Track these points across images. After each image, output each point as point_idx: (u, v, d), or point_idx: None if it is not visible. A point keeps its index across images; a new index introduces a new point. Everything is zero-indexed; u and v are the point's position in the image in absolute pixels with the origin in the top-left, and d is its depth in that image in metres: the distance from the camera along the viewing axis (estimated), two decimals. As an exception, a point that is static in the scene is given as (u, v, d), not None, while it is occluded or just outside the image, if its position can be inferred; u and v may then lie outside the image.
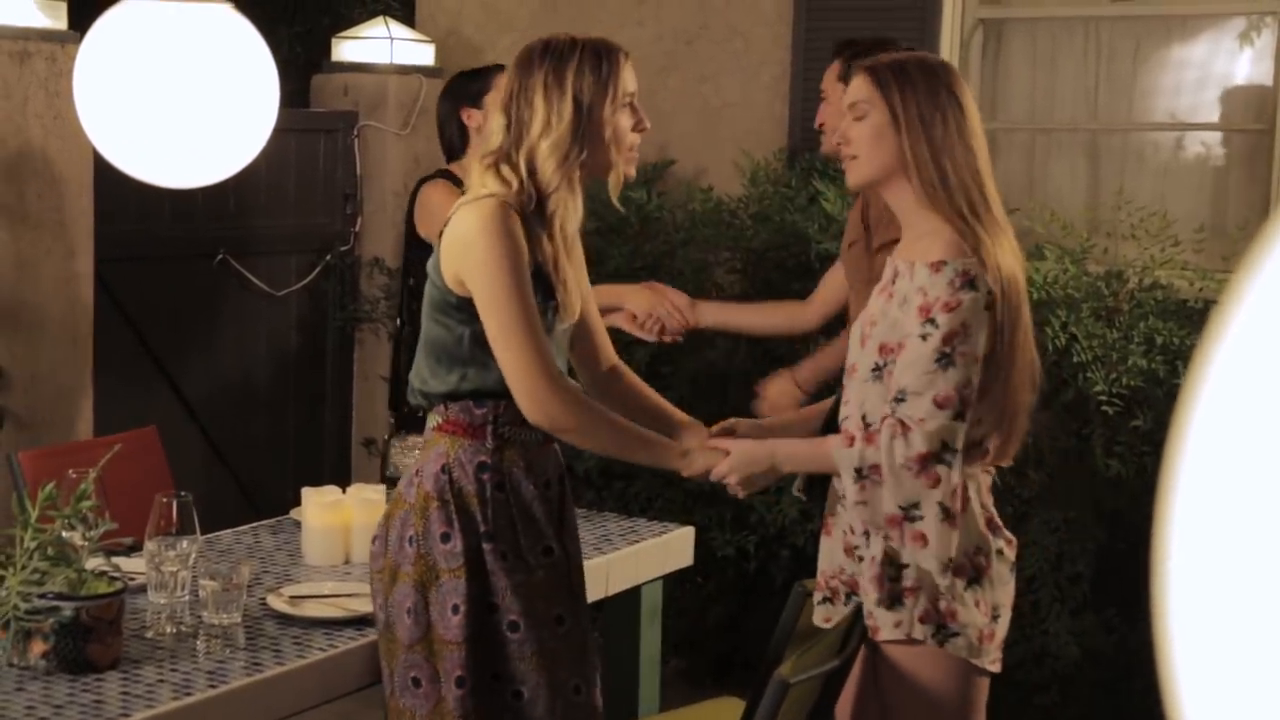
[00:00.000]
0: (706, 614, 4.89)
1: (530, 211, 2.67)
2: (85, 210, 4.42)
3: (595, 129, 2.67)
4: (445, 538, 2.68)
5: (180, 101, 3.15)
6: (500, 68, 4.25)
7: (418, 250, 4.20)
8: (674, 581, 4.58)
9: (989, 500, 2.69)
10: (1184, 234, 4.46)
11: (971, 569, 2.60)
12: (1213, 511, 0.60)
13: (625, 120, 2.71)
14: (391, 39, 5.52)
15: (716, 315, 3.87)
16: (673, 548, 3.67)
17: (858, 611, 2.63)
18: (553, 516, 2.77)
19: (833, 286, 3.78)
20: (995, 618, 2.64)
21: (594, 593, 3.40)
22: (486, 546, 2.68)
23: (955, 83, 2.67)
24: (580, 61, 2.67)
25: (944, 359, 2.51)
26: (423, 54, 5.60)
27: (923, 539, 2.56)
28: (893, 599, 2.59)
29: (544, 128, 2.65)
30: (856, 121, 2.67)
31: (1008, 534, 2.72)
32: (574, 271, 2.75)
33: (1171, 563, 0.61)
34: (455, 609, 2.66)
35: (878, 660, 2.65)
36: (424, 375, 2.75)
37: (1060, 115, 5.14)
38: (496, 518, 2.70)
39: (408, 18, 5.89)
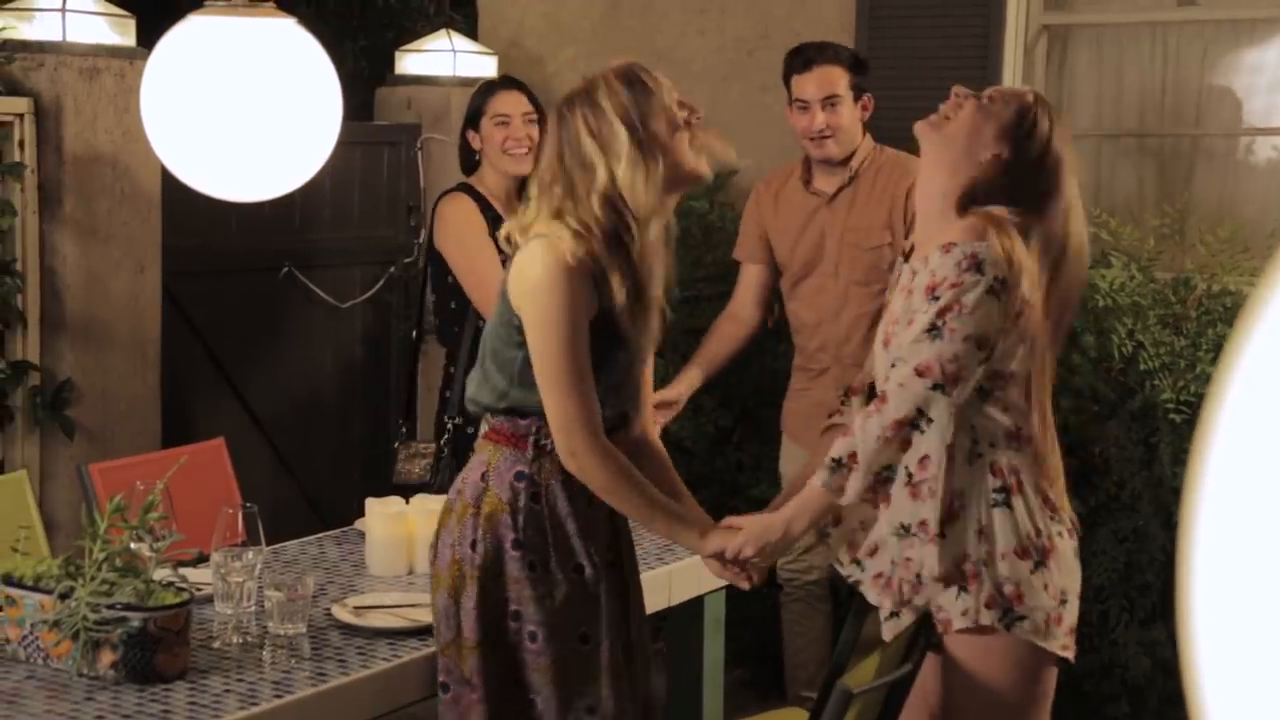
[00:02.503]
0: (773, 624, 4.87)
1: (609, 253, 2.66)
2: (153, 225, 4.47)
3: (659, 136, 2.67)
4: (474, 545, 2.73)
5: (245, 116, 3.17)
6: (502, 85, 4.29)
7: (436, 264, 4.23)
8: (740, 591, 4.57)
9: (1049, 486, 2.69)
10: (1253, 240, 4.41)
11: (1035, 552, 2.63)
12: (1238, 516, 0.59)
13: (677, 117, 2.72)
14: (454, 51, 5.55)
15: (692, 380, 4.21)
16: (736, 558, 3.66)
17: (921, 621, 2.62)
18: (591, 533, 2.77)
19: (748, 284, 4.31)
20: (1063, 602, 2.65)
21: (657, 603, 3.40)
22: (514, 554, 2.72)
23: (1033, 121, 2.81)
24: (608, 87, 2.68)
25: (934, 330, 2.59)
26: (485, 66, 5.62)
27: (887, 500, 2.64)
28: (957, 587, 2.61)
29: (607, 161, 2.64)
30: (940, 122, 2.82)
31: (1071, 519, 2.74)
32: (651, 312, 2.77)
33: (1197, 568, 0.60)
34: (470, 613, 2.72)
35: (941, 658, 2.66)
36: (477, 381, 2.80)
37: (1127, 121, 5.09)
38: (527, 527, 2.73)
39: (470, 30, 5.92)
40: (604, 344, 2.70)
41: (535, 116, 4.19)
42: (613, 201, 2.65)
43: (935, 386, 2.57)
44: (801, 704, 3.98)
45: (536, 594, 2.71)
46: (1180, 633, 0.61)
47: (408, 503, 3.48)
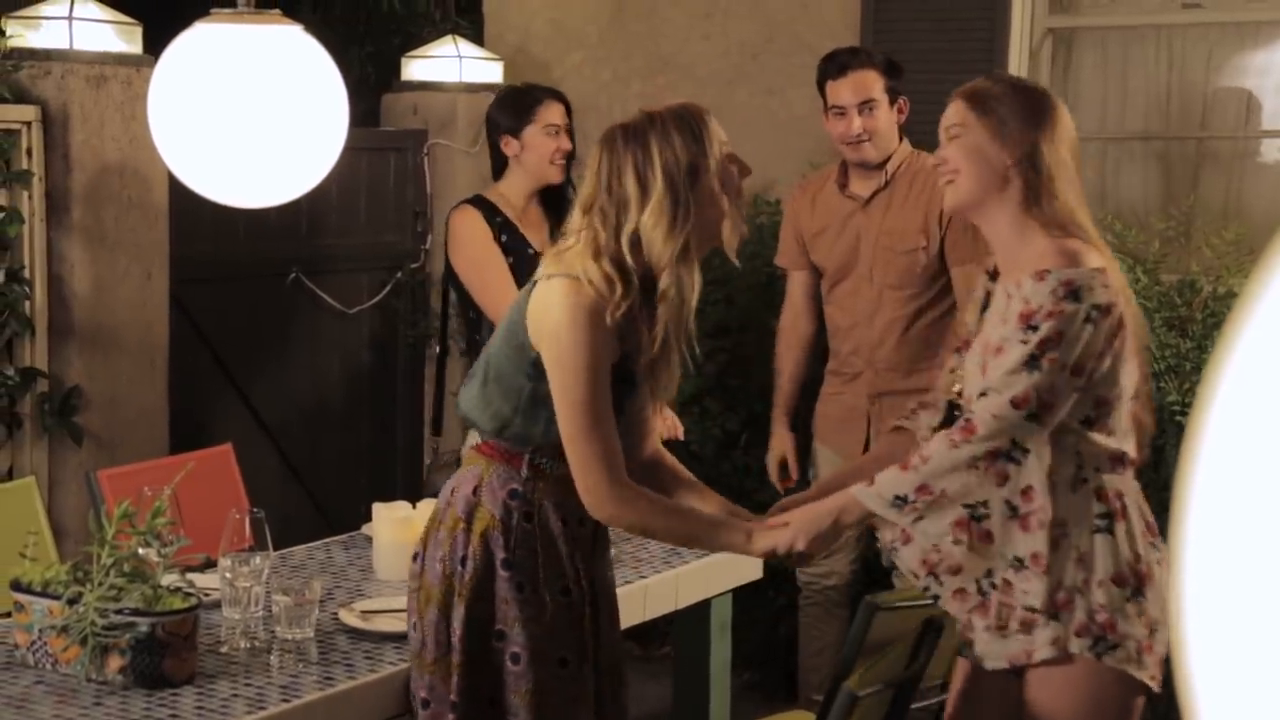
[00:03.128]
0: (778, 627, 4.87)
1: (640, 300, 2.64)
2: (161, 232, 4.48)
3: (701, 193, 2.62)
4: (464, 561, 2.69)
5: (252, 123, 3.19)
6: (548, 95, 4.27)
7: (453, 275, 4.25)
8: (746, 594, 4.57)
9: (1147, 510, 2.67)
10: (1258, 242, 4.41)
11: (1133, 578, 2.57)
12: (1228, 512, 0.60)
13: (729, 174, 2.67)
14: (460, 57, 5.56)
15: (784, 442, 4.44)
16: (743, 560, 3.67)
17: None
18: (578, 555, 2.74)
19: (798, 292, 4.35)
20: (1153, 631, 2.59)
21: (663, 606, 3.41)
22: (504, 574, 2.67)
23: (1052, 103, 2.77)
24: (663, 130, 2.62)
25: (1032, 361, 2.53)
26: (491, 72, 5.63)
27: (989, 537, 2.54)
28: (1046, 615, 2.54)
29: (640, 205, 2.60)
30: (952, 141, 2.70)
31: (1163, 546, 2.69)
32: (671, 363, 2.74)
33: (1187, 563, 0.61)
34: (458, 631, 2.67)
35: (1021, 685, 2.60)
36: (477, 400, 2.72)
37: (1132, 124, 5.09)
38: (519, 547, 2.68)
39: (476, 36, 5.93)
40: (621, 389, 2.66)
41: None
42: (637, 245, 2.62)
43: (1030, 417, 2.52)
44: (812, 707, 3.97)
45: (524, 616, 2.66)
46: (1172, 630, 0.61)
47: (415, 507, 3.49)
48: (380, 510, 3.44)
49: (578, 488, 2.62)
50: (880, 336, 4.14)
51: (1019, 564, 2.55)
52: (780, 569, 4.65)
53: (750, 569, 3.71)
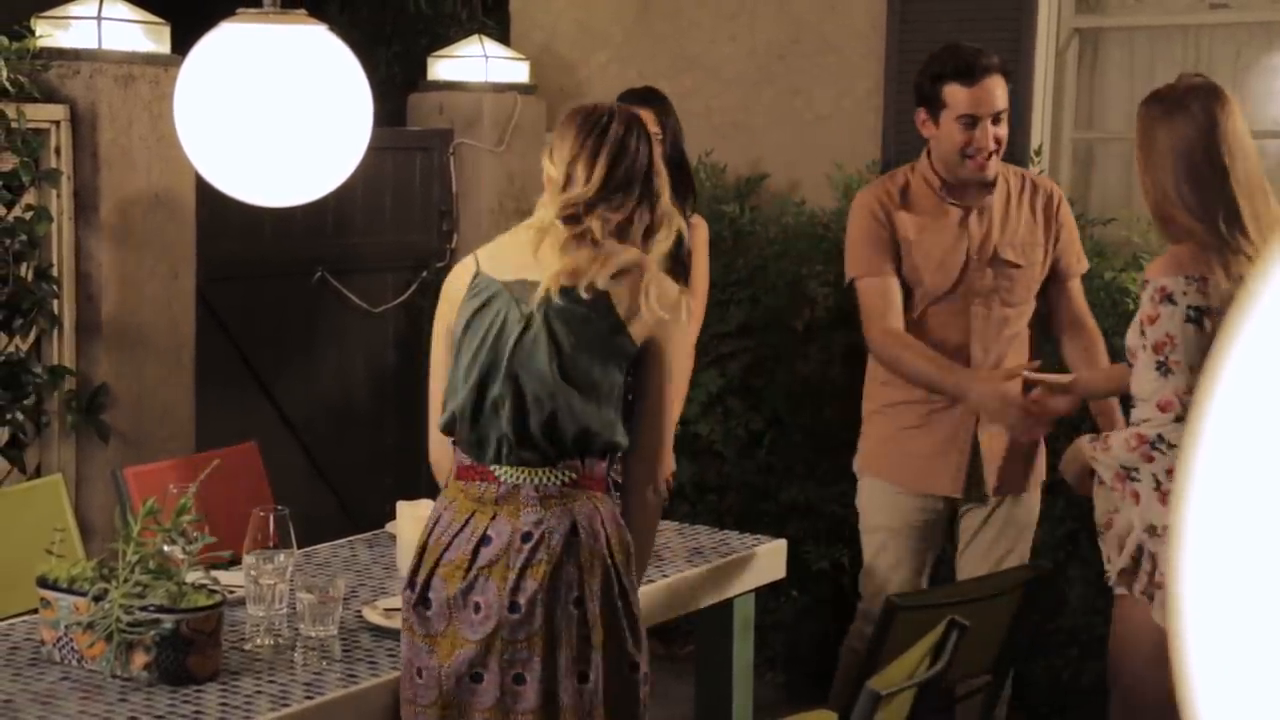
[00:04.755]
0: (802, 627, 4.88)
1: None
2: (188, 230, 4.50)
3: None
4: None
5: (278, 122, 3.20)
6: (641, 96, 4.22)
7: None
8: (771, 595, 4.58)
9: None
10: (1286, 243, 4.39)
11: None
12: (1228, 514, 0.60)
13: None
14: (486, 57, 5.57)
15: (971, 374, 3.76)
16: (765, 561, 3.67)
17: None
18: None
19: (896, 299, 3.81)
20: None
21: (684, 606, 3.41)
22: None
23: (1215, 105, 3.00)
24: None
25: (1161, 367, 2.91)
26: (517, 71, 5.64)
27: (1136, 497, 3.00)
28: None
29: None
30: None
31: None
32: None
33: (1187, 563, 0.61)
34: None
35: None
36: (599, 418, 2.66)
37: (1158, 124, 5.07)
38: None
39: (503, 36, 5.94)
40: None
41: None
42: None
43: (1178, 419, 2.88)
44: None
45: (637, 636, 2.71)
46: (1171, 632, 0.62)
47: (438, 506, 3.50)
48: (404, 508, 3.45)
49: (646, 472, 2.74)
50: (998, 357, 3.79)
51: (1154, 532, 3.00)
52: (805, 571, 4.66)
53: (773, 570, 3.71)
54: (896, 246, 3.77)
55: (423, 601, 2.68)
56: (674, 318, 2.68)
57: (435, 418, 2.81)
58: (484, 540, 2.64)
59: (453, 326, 2.78)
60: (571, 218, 2.68)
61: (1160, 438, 2.92)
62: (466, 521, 2.68)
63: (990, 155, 3.72)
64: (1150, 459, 2.95)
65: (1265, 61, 4.92)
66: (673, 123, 4.10)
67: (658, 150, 2.78)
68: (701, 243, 4.07)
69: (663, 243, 2.74)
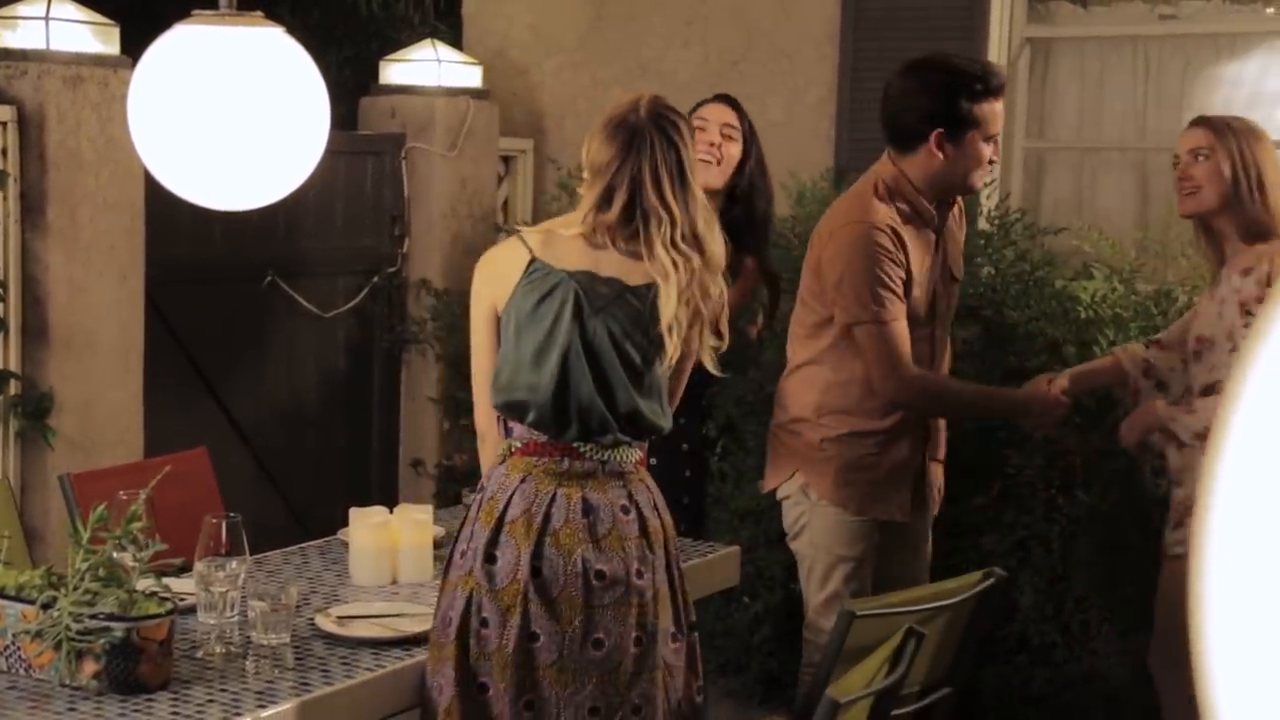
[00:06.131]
0: (754, 633, 4.87)
1: None
2: (137, 234, 4.46)
3: None
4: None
5: (233, 125, 3.16)
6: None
7: None
8: (721, 601, 4.57)
9: None
10: (1234, 253, 4.43)
11: None
12: (1251, 517, 0.60)
13: None
14: (439, 61, 5.55)
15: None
16: (719, 567, 3.66)
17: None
18: None
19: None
20: None
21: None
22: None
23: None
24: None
25: None
26: (470, 76, 5.62)
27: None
28: None
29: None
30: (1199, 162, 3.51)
31: None
32: None
33: (1209, 566, 0.60)
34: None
35: None
36: (656, 409, 2.88)
37: (1109, 134, 5.11)
38: None
39: (455, 40, 5.92)
40: None
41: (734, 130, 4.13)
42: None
43: None
44: None
45: None
46: (1194, 641, 0.61)
47: (391, 512, 3.48)
48: (357, 515, 3.42)
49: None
50: (946, 374, 3.77)
51: None
52: (758, 577, 4.65)
53: (727, 576, 3.71)
54: (909, 282, 3.56)
55: (537, 572, 2.75)
56: (710, 328, 2.88)
57: (483, 393, 2.89)
58: (588, 510, 2.79)
59: (500, 306, 2.85)
60: (627, 221, 2.81)
61: None
62: (553, 494, 2.80)
63: (991, 167, 3.68)
64: None
65: (1213, 72, 4.97)
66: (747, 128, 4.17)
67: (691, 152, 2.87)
68: None
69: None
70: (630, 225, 2.79)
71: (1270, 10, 4.98)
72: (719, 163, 4.06)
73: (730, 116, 4.13)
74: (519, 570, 2.75)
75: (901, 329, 3.52)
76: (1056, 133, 5.16)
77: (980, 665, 4.35)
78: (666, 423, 2.89)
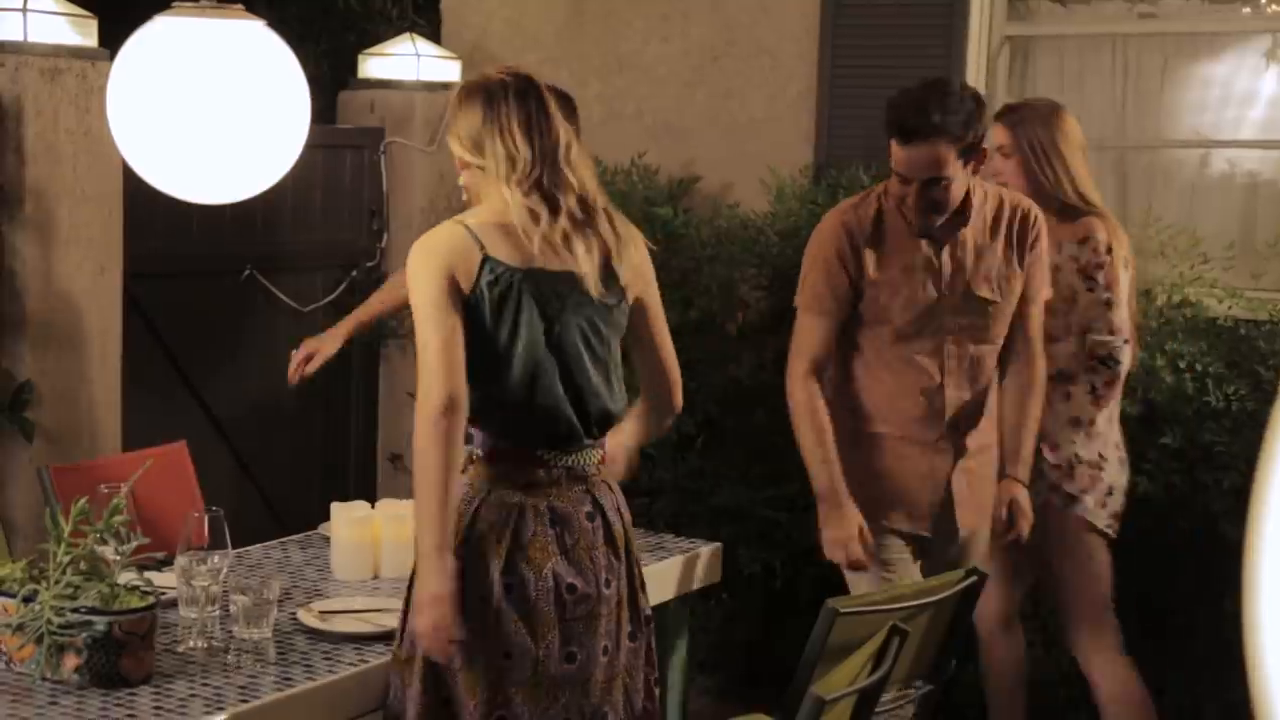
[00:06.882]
0: (733, 630, 4.88)
1: None
2: (115, 226, 4.43)
3: None
4: None
5: (213, 118, 3.15)
6: None
7: None
8: (700, 598, 4.57)
9: None
10: (1213, 251, 4.45)
11: None
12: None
13: None
14: (418, 55, 5.54)
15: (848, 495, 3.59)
16: (700, 565, 3.67)
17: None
18: None
19: None
20: None
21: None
22: None
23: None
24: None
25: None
26: (449, 70, 5.61)
27: None
28: None
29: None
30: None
31: None
32: None
33: (1266, 566, 0.60)
34: None
35: None
36: (615, 396, 2.85)
37: (1088, 132, 5.10)
38: None
39: (434, 34, 5.90)
40: None
41: None
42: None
43: None
44: None
45: None
46: (1246, 636, 0.61)
47: (373, 507, 3.47)
48: (339, 510, 3.42)
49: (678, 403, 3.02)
50: (974, 396, 3.60)
51: None
52: (737, 575, 4.66)
53: (708, 573, 3.71)
54: (855, 288, 3.52)
55: (510, 588, 2.67)
56: (648, 261, 2.87)
57: (443, 365, 2.61)
58: (555, 521, 2.72)
59: (464, 287, 2.66)
60: (541, 194, 2.69)
61: None
62: (521, 506, 2.71)
63: (927, 214, 3.45)
64: None
65: (1192, 70, 4.99)
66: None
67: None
68: None
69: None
70: (544, 189, 2.69)
71: (1248, 10, 5.00)
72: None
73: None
74: (488, 588, 2.67)
75: (814, 325, 3.54)
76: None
77: (960, 663, 4.36)
78: (623, 411, 2.87)
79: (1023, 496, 3.62)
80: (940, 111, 3.33)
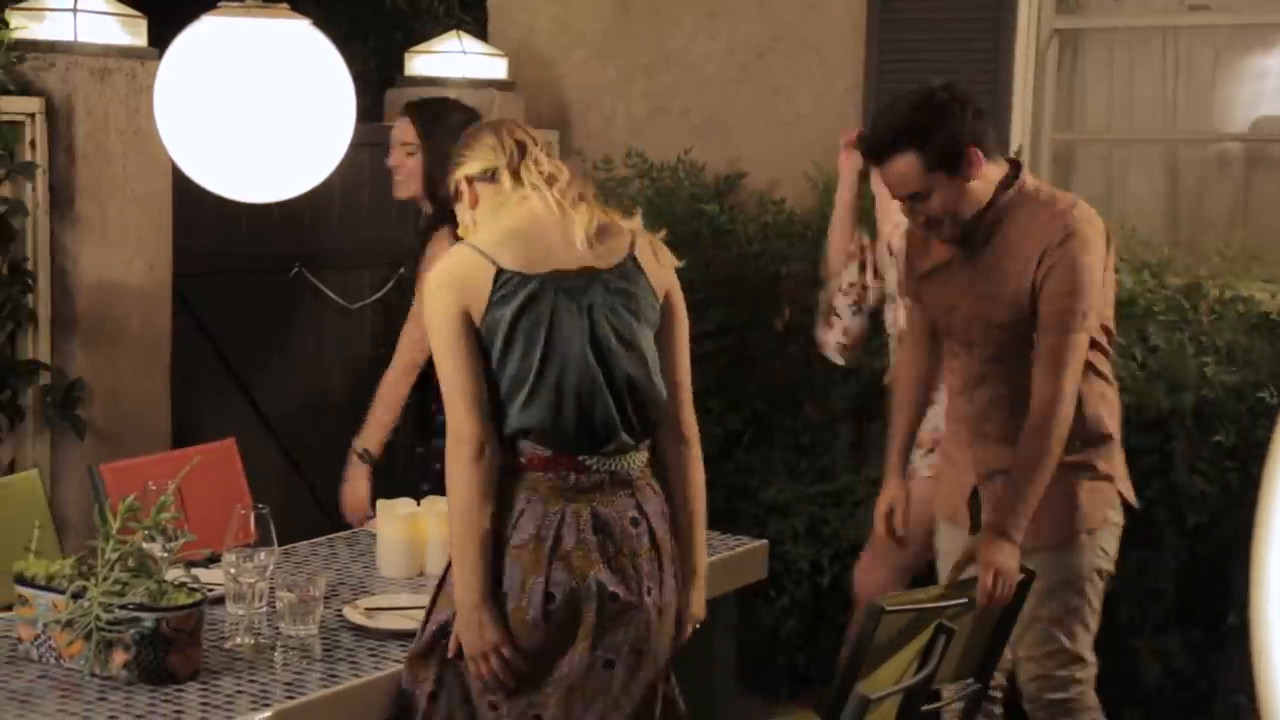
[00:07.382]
0: (780, 627, 4.86)
1: None
2: (164, 225, 4.46)
3: None
4: None
5: (260, 117, 3.17)
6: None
7: None
8: (747, 594, 4.56)
9: None
10: (1265, 245, 4.40)
11: None
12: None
13: None
14: (464, 53, 5.55)
15: (898, 470, 3.55)
16: (747, 561, 3.66)
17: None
18: None
19: None
20: None
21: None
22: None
23: None
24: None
25: None
26: (495, 68, 5.62)
27: None
28: None
29: None
30: None
31: None
32: None
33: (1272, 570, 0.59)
34: None
35: None
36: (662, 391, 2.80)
37: (1138, 126, 5.08)
38: None
39: (480, 32, 5.91)
40: None
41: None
42: None
43: None
44: None
45: None
46: (1254, 639, 0.60)
47: (419, 504, 3.48)
48: (385, 507, 3.43)
49: (693, 436, 2.90)
50: (979, 409, 3.36)
51: None
52: (785, 571, 4.64)
53: (754, 570, 3.70)
54: (915, 277, 3.45)
55: (551, 598, 2.65)
56: (674, 274, 2.84)
57: (462, 403, 2.63)
58: (598, 528, 2.68)
59: (475, 319, 2.65)
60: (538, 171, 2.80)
61: None
62: (561, 513, 2.67)
63: (928, 229, 3.30)
64: None
65: (1243, 63, 4.93)
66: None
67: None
68: None
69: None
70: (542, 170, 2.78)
71: (1301, 1, 4.94)
72: (405, 178, 4.21)
73: (409, 134, 4.17)
74: (527, 597, 2.65)
75: (910, 309, 3.62)
76: (1085, 125, 5.13)
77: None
78: (664, 393, 2.77)
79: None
80: (895, 129, 3.18)
